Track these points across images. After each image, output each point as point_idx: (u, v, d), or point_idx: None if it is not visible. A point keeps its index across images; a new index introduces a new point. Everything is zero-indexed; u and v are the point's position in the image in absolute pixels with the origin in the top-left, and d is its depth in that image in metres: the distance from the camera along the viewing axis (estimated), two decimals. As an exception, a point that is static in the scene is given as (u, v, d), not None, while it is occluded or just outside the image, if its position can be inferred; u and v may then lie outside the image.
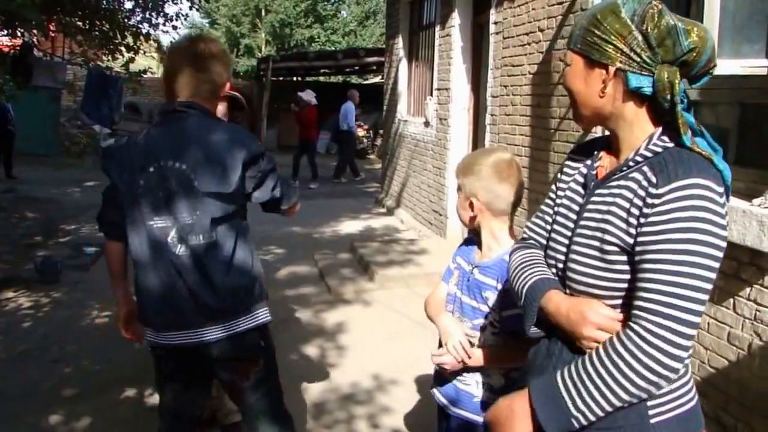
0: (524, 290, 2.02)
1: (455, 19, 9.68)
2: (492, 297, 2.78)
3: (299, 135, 17.57)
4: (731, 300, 4.13)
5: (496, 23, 8.18)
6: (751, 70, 4.07)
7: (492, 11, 8.27)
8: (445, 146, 10.03)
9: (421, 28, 12.06)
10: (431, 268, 8.37)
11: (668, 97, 1.81)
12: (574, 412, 1.77)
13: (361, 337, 6.36)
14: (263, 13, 44.63)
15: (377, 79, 27.63)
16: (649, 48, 1.82)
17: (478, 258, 2.93)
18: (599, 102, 1.92)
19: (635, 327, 1.70)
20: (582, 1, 5.97)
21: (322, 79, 32.50)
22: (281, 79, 28.18)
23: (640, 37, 1.82)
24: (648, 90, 1.84)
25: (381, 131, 18.19)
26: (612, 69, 1.86)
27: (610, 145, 2.04)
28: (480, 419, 2.85)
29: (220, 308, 3.00)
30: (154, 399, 4.97)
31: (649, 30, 1.81)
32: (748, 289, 4.06)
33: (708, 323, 4.28)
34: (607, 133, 2.06)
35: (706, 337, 4.33)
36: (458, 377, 2.92)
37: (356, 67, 26.44)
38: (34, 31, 11.91)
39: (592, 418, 1.77)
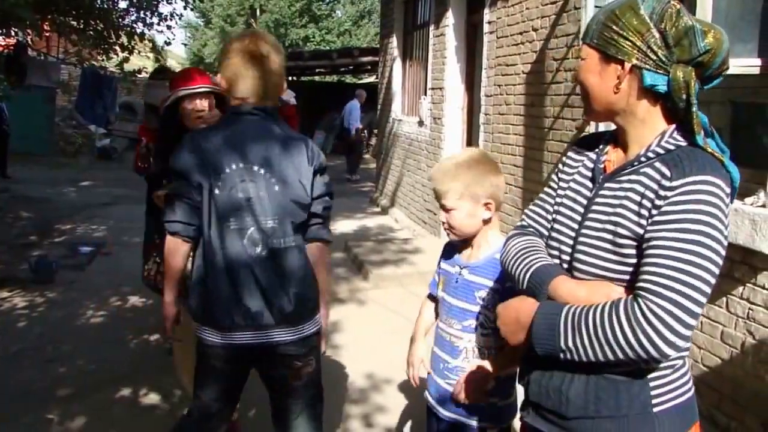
0: (526, 275, 2.03)
1: (449, 18, 9.69)
2: (485, 296, 2.77)
3: None
4: (724, 299, 4.16)
5: (489, 23, 8.20)
6: (744, 69, 4.09)
7: (486, 11, 8.29)
8: (439, 146, 10.04)
9: (415, 28, 12.08)
10: (425, 267, 8.36)
11: (684, 96, 1.85)
12: (563, 347, 1.85)
13: (356, 337, 6.37)
14: (258, 12, 44.66)
15: (372, 79, 27.61)
16: (666, 47, 1.85)
17: (465, 259, 2.90)
18: (613, 97, 1.95)
19: (641, 303, 1.72)
20: (576, 1, 5.99)
21: (317, 78, 32.47)
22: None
23: (657, 36, 1.85)
24: (662, 88, 1.87)
25: (375, 130, 18.16)
26: (628, 65, 1.88)
27: (616, 139, 2.08)
28: (469, 421, 2.86)
29: (294, 312, 3.08)
30: (149, 398, 4.98)
31: (667, 29, 1.84)
32: (740, 288, 4.08)
33: (701, 322, 4.30)
34: (612, 127, 2.10)
35: (700, 336, 4.35)
36: (447, 379, 2.90)
37: (351, 67, 26.45)
38: (29, 31, 11.90)
39: (576, 359, 1.84)
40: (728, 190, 1.81)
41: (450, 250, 3.01)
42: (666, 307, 1.69)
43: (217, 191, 2.98)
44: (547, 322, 1.89)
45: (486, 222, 2.82)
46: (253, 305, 3.02)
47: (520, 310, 2.02)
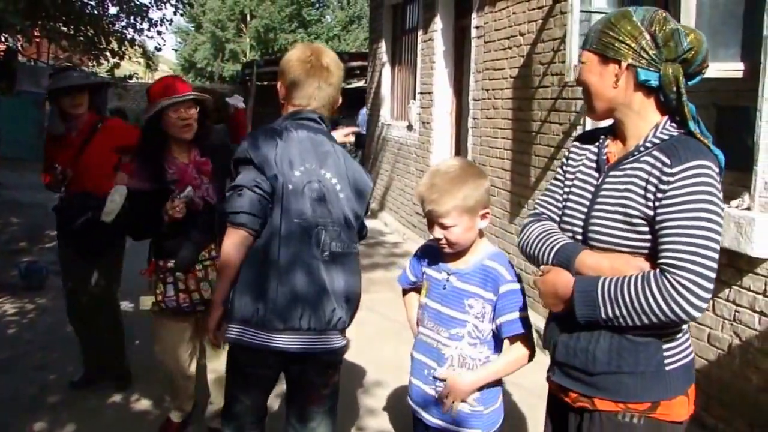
0: (551, 253, 2.36)
1: (437, 23, 9.75)
2: (476, 305, 2.76)
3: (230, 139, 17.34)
4: (711, 302, 4.18)
5: (477, 27, 8.24)
6: (727, 73, 4.14)
7: (473, 16, 8.33)
8: (428, 150, 10.08)
9: (404, 33, 12.12)
10: (415, 271, 8.41)
11: (674, 89, 2.17)
12: (604, 317, 2.17)
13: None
14: (248, 18, 44.65)
15: (361, 83, 27.63)
16: (656, 47, 2.18)
17: (453, 265, 2.86)
18: (612, 93, 2.27)
19: (669, 278, 2.06)
20: (562, 6, 6.02)
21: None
22: (266, 83, 28.16)
23: (648, 38, 2.18)
24: (654, 83, 2.20)
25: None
26: (624, 64, 2.20)
27: (614, 133, 2.42)
28: (457, 429, 2.85)
29: (345, 319, 3.14)
30: (140, 404, 5.00)
31: (656, 31, 2.17)
32: (726, 291, 4.12)
33: (688, 325, 4.32)
34: (609, 123, 2.45)
35: (685, 338, 4.37)
36: (433, 385, 2.87)
37: (340, 71, 26.43)
38: (19, 37, 11.89)
39: (615, 325, 2.18)
40: (716, 169, 2.13)
41: (433, 255, 2.96)
42: (691, 278, 2.03)
43: (290, 186, 2.95)
44: (585, 297, 2.20)
45: (481, 232, 2.84)
46: (311, 308, 2.99)
47: (557, 283, 2.31)
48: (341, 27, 47.99)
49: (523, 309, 2.73)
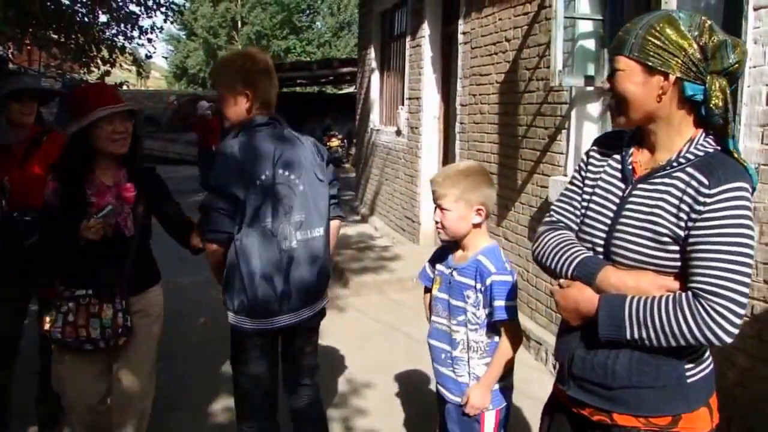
0: (571, 266, 2.27)
1: (425, 30, 9.83)
2: (472, 295, 3.09)
3: (197, 146, 17.70)
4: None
5: (464, 33, 8.33)
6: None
7: (460, 22, 8.42)
8: (416, 154, 10.16)
9: (392, 39, 12.19)
10: (404, 273, 8.54)
11: (721, 104, 2.05)
12: (629, 338, 2.11)
13: (336, 342, 6.45)
14: (240, 25, 44.72)
15: (351, 89, 27.73)
16: (704, 59, 2.04)
17: (455, 261, 3.23)
18: (655, 106, 2.12)
19: (703, 303, 1.99)
20: (547, 12, 6.12)
21: (297, 89, 32.54)
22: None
23: (697, 49, 2.04)
24: (699, 97, 2.07)
25: (354, 140, 18.29)
26: (672, 77, 2.07)
27: (641, 141, 2.29)
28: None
29: (318, 290, 3.61)
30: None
31: (705, 43, 2.03)
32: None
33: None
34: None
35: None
36: (450, 367, 3.24)
37: (331, 78, 26.52)
38: (9, 44, 11.92)
39: (640, 345, 2.12)
40: (750, 191, 2.05)
41: (443, 253, 3.35)
42: (725, 305, 1.97)
43: (254, 196, 3.33)
44: (611, 318, 2.12)
45: (476, 226, 3.13)
46: (288, 293, 3.43)
47: (579, 300, 2.23)
48: (332, 33, 48.11)
49: (509, 298, 3.01)
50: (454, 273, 3.17)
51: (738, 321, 1.98)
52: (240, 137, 3.42)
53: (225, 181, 3.31)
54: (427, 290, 3.46)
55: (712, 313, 1.97)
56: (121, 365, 3.78)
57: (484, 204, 3.12)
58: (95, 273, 3.62)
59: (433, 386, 5.41)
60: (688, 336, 2.01)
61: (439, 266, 3.33)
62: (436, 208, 3.17)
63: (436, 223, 3.17)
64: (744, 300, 1.99)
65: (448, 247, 3.31)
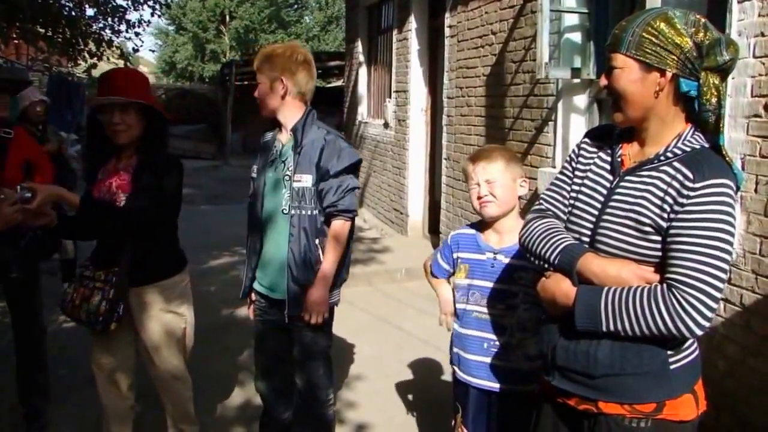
0: (554, 253, 2.28)
1: (412, 23, 9.85)
2: (525, 276, 3.01)
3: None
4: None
5: (450, 27, 8.37)
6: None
7: (447, 15, 8.47)
8: (404, 147, 10.20)
9: (379, 33, 12.22)
10: (393, 265, 8.58)
11: (714, 100, 2.08)
12: (605, 330, 2.14)
13: (324, 334, 6.41)
14: (228, 19, 44.58)
15: (339, 83, 27.69)
16: (699, 56, 2.06)
17: (496, 245, 3.18)
18: (651, 102, 2.15)
19: (676, 294, 2.02)
20: (533, 5, 6.15)
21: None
22: (245, 83, 28.18)
23: (693, 47, 2.06)
24: (693, 93, 2.10)
25: (343, 133, 18.33)
26: (669, 74, 2.10)
27: (631, 134, 2.32)
28: (516, 387, 3.12)
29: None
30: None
31: (701, 40, 2.06)
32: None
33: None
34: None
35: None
36: (493, 356, 3.16)
37: (319, 71, 26.48)
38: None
39: (615, 336, 2.14)
40: (735, 189, 2.08)
41: (467, 242, 3.30)
42: (699, 297, 2.00)
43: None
44: (587, 310, 2.16)
45: (520, 198, 3.19)
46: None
47: (555, 292, 2.27)
48: (320, 27, 48.01)
49: None
50: (499, 256, 3.13)
51: (710, 314, 2.01)
52: (323, 126, 3.71)
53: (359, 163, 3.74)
54: (438, 282, 3.46)
55: (684, 304, 2.00)
56: (139, 348, 3.89)
57: (525, 177, 3.18)
58: (99, 252, 3.73)
59: (422, 377, 5.48)
60: (661, 326, 2.03)
61: (464, 254, 3.27)
62: (474, 186, 3.13)
63: (479, 198, 3.11)
64: (717, 294, 2.01)
65: (480, 231, 3.26)
